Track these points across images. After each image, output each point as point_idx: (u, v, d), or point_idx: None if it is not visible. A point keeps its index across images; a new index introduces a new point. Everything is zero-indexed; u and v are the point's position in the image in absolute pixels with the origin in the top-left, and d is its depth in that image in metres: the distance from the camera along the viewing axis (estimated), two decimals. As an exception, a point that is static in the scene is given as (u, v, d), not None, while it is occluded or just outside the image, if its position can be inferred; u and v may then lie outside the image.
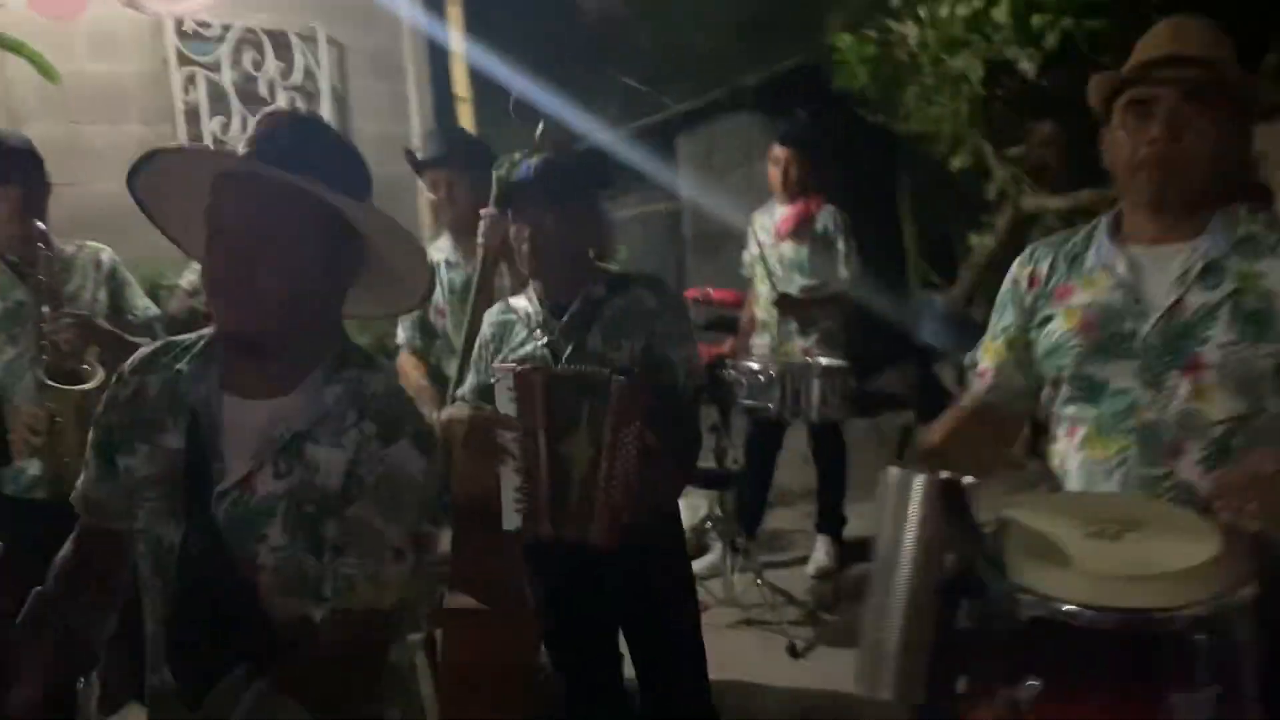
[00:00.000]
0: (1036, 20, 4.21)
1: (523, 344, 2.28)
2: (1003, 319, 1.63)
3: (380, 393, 1.37)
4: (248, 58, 4.69)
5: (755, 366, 3.37)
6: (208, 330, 1.45)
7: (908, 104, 5.04)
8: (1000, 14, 3.87)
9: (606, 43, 9.03)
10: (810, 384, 3.46)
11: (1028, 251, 1.63)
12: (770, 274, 4.03)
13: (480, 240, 2.73)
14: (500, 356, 2.29)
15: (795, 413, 3.48)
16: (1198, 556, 1.26)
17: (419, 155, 3.22)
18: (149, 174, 1.33)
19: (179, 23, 4.39)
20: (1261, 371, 1.45)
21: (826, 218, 3.99)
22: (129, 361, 1.45)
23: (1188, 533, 1.34)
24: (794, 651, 3.48)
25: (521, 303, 2.34)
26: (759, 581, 3.72)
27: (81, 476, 1.47)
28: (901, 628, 1.33)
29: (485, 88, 6.11)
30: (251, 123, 1.36)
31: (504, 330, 2.33)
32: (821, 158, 4.07)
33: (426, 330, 3.24)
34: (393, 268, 1.40)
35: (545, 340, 2.25)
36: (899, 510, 1.35)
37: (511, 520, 2.12)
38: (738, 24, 8.25)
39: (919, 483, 1.34)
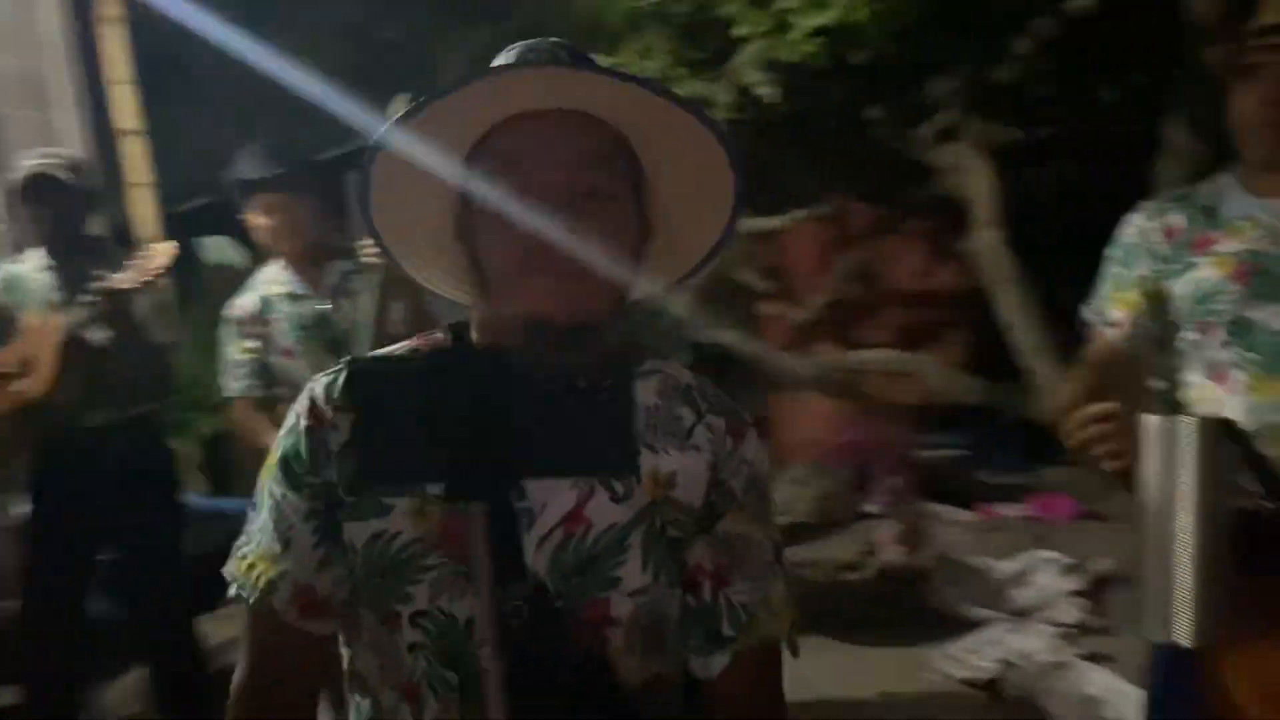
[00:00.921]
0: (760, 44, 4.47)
1: None
2: (1133, 269, 1.73)
3: (696, 382, 1.12)
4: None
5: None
6: (429, 335, 1.11)
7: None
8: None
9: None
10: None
11: (1151, 206, 1.75)
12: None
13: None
14: None
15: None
16: None
17: (246, 176, 2.73)
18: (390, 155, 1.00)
19: None
20: None
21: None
22: (318, 393, 1.05)
23: None
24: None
25: None
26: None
27: (267, 570, 1.03)
28: (1195, 571, 1.36)
29: (161, 122, 5.34)
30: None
31: None
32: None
33: (267, 376, 2.77)
34: (683, 219, 1.10)
35: None
36: (1169, 457, 1.38)
37: None
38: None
39: (1189, 426, 1.38)
